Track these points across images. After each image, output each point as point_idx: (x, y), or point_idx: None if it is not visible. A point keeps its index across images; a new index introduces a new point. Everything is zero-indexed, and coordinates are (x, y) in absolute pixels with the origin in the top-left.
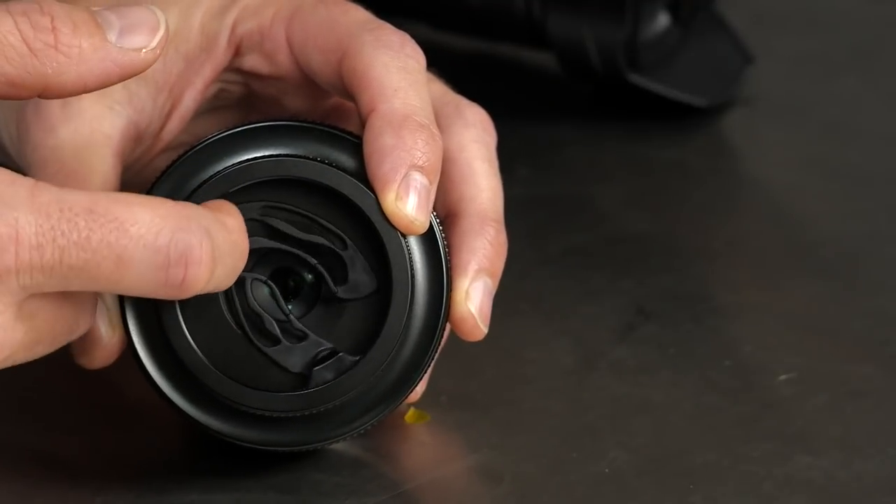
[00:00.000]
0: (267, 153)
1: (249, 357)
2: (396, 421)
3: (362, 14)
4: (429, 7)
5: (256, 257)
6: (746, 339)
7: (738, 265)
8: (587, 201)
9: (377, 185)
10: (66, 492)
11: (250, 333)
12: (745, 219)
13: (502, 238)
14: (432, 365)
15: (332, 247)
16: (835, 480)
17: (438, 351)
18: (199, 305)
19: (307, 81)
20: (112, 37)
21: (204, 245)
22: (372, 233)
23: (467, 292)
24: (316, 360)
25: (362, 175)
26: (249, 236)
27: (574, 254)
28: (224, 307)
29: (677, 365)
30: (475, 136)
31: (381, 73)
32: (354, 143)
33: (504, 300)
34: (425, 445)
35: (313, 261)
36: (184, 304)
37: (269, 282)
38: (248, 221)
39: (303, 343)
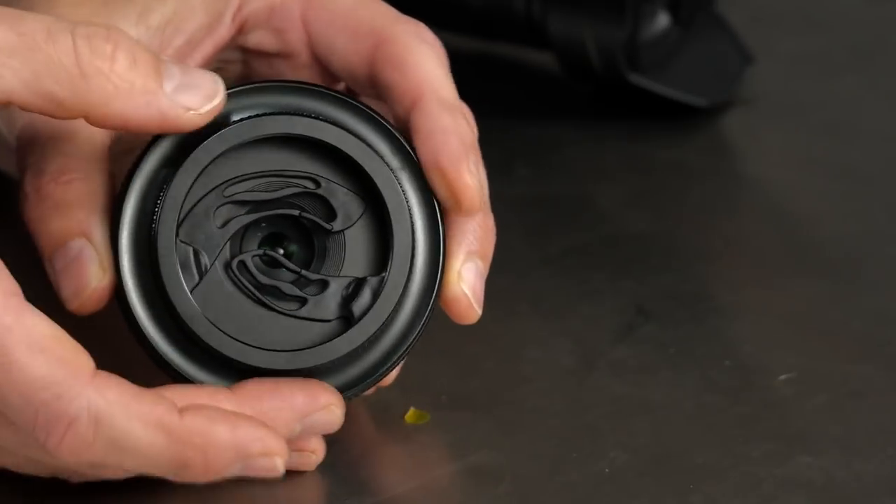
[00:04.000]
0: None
1: (280, 325)
2: (397, 421)
3: (391, 7)
4: (429, 7)
5: (242, 234)
6: (746, 339)
7: (738, 265)
8: (587, 201)
9: (449, 160)
10: (66, 491)
11: (275, 306)
12: (745, 219)
13: (490, 222)
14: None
15: (306, 190)
16: (835, 480)
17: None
18: (211, 295)
19: (314, 62)
20: (168, 87)
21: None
22: (344, 161)
23: (459, 273)
24: (347, 298)
25: (318, 111)
26: (223, 222)
27: (574, 254)
28: (236, 292)
29: (677, 365)
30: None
31: (426, 63)
32: (301, 89)
33: (504, 300)
34: (425, 445)
35: (295, 212)
36: (196, 295)
37: (269, 251)
38: (218, 209)
39: (328, 289)
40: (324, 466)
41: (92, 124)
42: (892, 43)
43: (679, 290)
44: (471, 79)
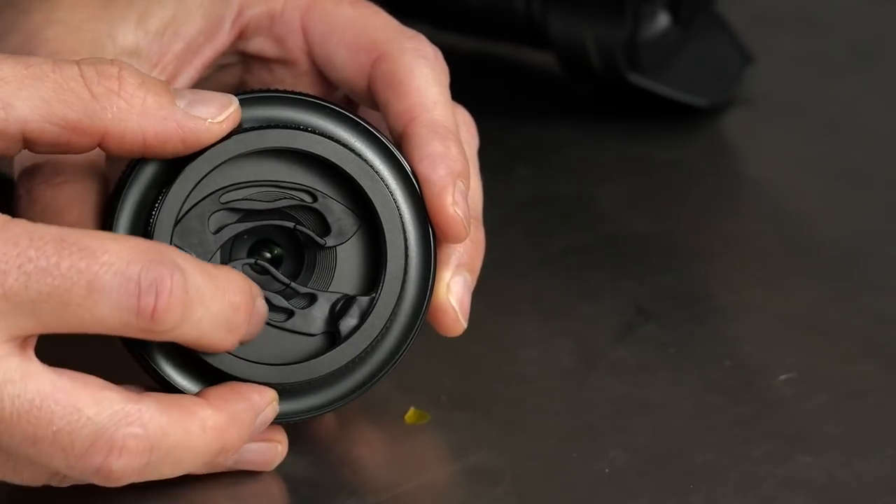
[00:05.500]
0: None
1: (266, 335)
2: (397, 421)
3: (393, 19)
4: (429, 7)
5: (232, 242)
6: (746, 339)
7: (737, 265)
8: (587, 201)
9: (434, 188)
10: (66, 492)
11: None
12: (745, 219)
13: (481, 235)
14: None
15: (302, 203)
16: (835, 480)
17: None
18: None
19: (313, 70)
20: (181, 104)
21: (175, 277)
22: (342, 177)
23: (448, 285)
24: (335, 315)
25: (320, 126)
26: (217, 229)
27: (574, 254)
28: None
29: (677, 365)
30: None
31: (421, 83)
32: (303, 101)
33: (504, 300)
34: (425, 445)
35: (290, 224)
36: None
37: (260, 260)
38: (212, 214)
39: (315, 303)
40: (324, 466)
41: (111, 151)
42: (892, 43)
43: (679, 290)
44: (471, 79)
